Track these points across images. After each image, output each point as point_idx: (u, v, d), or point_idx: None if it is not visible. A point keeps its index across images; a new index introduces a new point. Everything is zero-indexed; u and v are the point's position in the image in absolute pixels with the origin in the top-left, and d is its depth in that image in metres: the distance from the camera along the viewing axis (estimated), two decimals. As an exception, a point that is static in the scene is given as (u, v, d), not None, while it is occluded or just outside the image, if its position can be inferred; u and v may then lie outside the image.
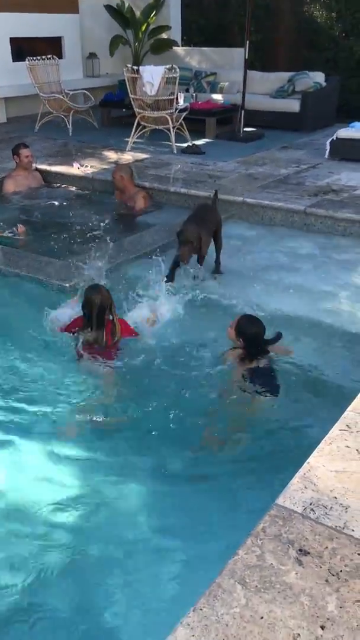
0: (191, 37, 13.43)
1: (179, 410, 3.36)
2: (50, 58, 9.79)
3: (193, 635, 1.64)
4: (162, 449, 3.15)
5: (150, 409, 3.37)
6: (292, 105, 10.05)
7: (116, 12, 11.66)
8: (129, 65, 8.66)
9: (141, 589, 2.33)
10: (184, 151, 8.56)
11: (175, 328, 4.04)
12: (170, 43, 11.94)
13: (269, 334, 3.55)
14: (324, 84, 10.32)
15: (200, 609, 1.72)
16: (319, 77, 10.37)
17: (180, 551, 2.48)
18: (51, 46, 10.93)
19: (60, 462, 3.01)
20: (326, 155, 8.17)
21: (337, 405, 2.91)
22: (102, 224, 5.99)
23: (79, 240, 5.79)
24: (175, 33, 12.51)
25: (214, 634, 1.65)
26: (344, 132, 8.00)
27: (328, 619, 1.70)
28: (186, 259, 4.68)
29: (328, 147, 8.16)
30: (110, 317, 3.66)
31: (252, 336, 3.55)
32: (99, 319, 3.60)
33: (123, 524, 2.66)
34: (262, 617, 1.70)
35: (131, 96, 8.60)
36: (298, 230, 6.04)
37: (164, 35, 12.02)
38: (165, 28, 11.94)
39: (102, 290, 3.65)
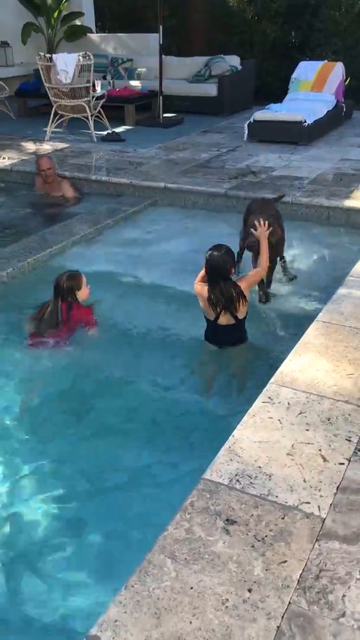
0: (105, 24, 13.24)
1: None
2: None
3: (125, 612, 1.68)
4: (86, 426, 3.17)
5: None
6: (210, 89, 10.10)
7: (26, -1, 11.36)
8: (42, 54, 8.47)
9: (71, 574, 2.33)
10: (104, 139, 8.48)
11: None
12: (85, 30, 11.75)
13: None
14: (239, 67, 10.41)
15: (132, 586, 1.76)
16: (234, 60, 10.45)
17: (109, 533, 2.48)
18: None
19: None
20: (245, 138, 8.28)
21: (260, 378, 3.00)
22: (23, 216, 5.85)
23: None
24: (89, 19, 12.30)
25: (145, 608, 1.69)
26: (261, 115, 8.13)
27: (255, 582, 1.77)
28: None
29: (246, 130, 8.27)
30: (69, 301, 3.82)
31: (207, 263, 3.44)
32: (56, 294, 3.80)
33: (46, 509, 2.64)
34: (191, 588, 1.75)
35: (46, 85, 8.42)
36: (220, 213, 6.10)
37: (78, 22, 11.80)
38: (78, 14, 11.73)
39: (66, 275, 3.86)
